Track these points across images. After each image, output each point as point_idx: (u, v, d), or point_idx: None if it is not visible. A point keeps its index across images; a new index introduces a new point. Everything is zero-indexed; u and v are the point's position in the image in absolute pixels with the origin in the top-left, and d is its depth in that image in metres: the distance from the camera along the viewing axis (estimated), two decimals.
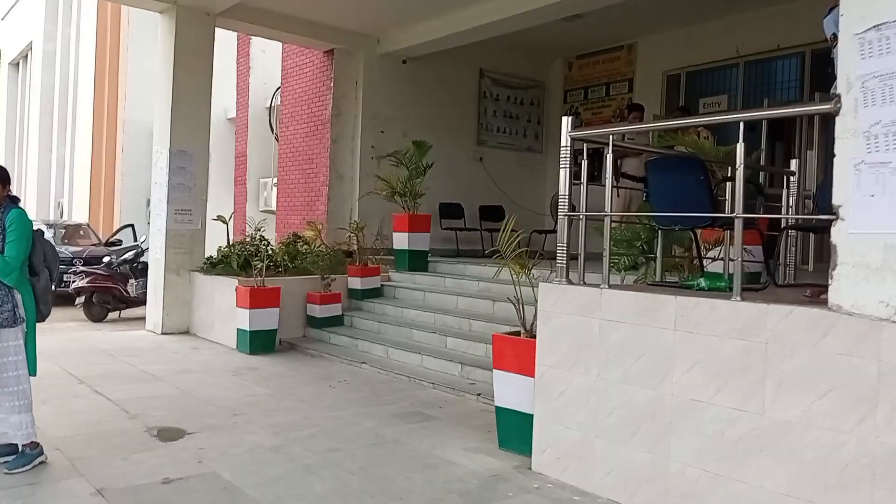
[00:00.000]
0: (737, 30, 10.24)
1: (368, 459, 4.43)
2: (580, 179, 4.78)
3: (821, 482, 3.03)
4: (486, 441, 4.82)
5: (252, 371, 7.10)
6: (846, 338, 3.02)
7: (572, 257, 4.33)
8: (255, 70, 13.85)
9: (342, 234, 9.92)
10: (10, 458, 4.06)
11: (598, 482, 3.91)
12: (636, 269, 5.12)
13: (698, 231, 4.83)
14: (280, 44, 12.04)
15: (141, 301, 10.32)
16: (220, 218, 9.40)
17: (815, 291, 3.60)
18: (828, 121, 8.54)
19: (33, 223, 4.17)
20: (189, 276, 9.27)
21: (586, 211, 4.27)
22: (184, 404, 5.70)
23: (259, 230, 9.24)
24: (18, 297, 4.02)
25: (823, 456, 3.04)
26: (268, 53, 13.34)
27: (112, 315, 10.66)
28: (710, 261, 5.22)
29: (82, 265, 11.30)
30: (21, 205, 4.19)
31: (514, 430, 4.56)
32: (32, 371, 4.14)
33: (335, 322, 8.62)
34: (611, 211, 4.16)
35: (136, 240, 12.86)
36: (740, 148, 3.46)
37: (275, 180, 12.73)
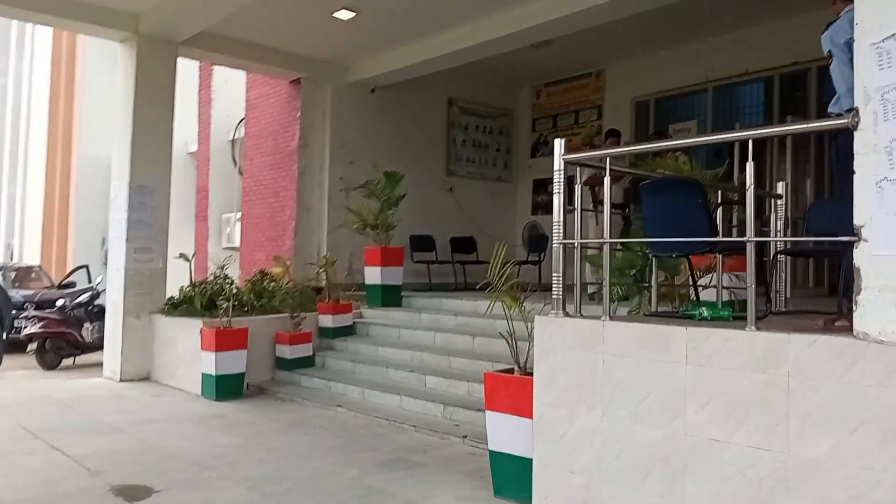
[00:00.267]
0: (705, 55, 10.24)
1: None
2: (573, 205, 4.51)
3: None
4: (480, 488, 4.48)
5: (219, 419, 6.67)
6: (876, 367, 2.79)
7: (567, 288, 4.08)
8: (217, 101, 13.50)
9: (311, 270, 9.56)
10: None
11: None
12: (628, 300, 4.89)
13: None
14: (244, 74, 11.74)
15: (97, 346, 9.79)
16: (182, 256, 8.98)
17: (827, 320, 3.39)
18: (803, 142, 8.42)
19: None
20: (149, 319, 8.80)
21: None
22: (148, 458, 5.26)
23: (223, 267, 8.86)
24: None
25: (856, 496, 2.80)
26: (231, 84, 13.00)
27: (66, 362, 10.07)
28: (702, 288, 5.02)
29: (34, 309, 10.72)
30: None
31: (511, 476, 4.24)
32: None
33: (306, 363, 8.22)
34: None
35: (90, 281, 12.31)
36: (750, 168, 3.25)
37: (238, 215, 12.33)
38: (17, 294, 11.73)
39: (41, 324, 9.86)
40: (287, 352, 8.15)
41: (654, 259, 4.52)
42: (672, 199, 4.10)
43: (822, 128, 3.29)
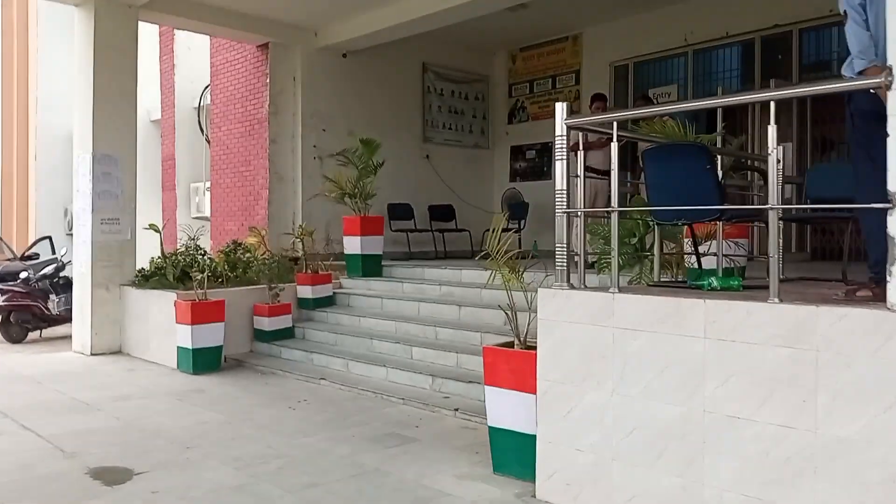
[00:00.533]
0: (685, 18, 10.07)
1: (351, 496, 3.91)
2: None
3: None
4: (478, 465, 4.35)
5: (199, 394, 6.44)
6: None
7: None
8: (180, 68, 12.97)
9: (286, 240, 9.28)
10: None
11: None
12: (629, 269, 4.75)
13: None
14: (208, 39, 11.27)
15: (64, 319, 9.45)
16: (152, 226, 8.62)
17: (849, 290, 3.28)
18: (784, 106, 8.24)
19: None
20: (119, 291, 8.49)
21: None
22: (127, 438, 5.04)
23: (195, 238, 8.56)
24: None
25: (890, 477, 2.68)
26: (194, 50, 12.49)
27: (33, 335, 9.72)
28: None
29: None
30: None
31: (512, 453, 4.11)
32: None
33: (286, 335, 8.00)
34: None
35: (54, 252, 11.84)
36: (773, 131, 3.09)
37: (207, 184, 11.94)
38: None
39: (5, 296, 9.46)
40: (266, 324, 7.92)
41: (656, 227, 4.39)
42: (678, 165, 3.94)
43: (850, 88, 3.13)
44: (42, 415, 5.63)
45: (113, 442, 4.91)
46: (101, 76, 8.40)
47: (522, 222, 10.78)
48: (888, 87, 2.78)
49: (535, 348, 4.02)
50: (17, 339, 9.51)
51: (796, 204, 5.34)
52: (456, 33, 10.65)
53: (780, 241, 3.15)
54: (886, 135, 2.78)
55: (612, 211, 3.71)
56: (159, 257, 8.61)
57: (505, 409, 4.11)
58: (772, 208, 3.10)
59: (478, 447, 4.64)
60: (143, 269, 8.60)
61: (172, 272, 8.18)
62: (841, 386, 2.80)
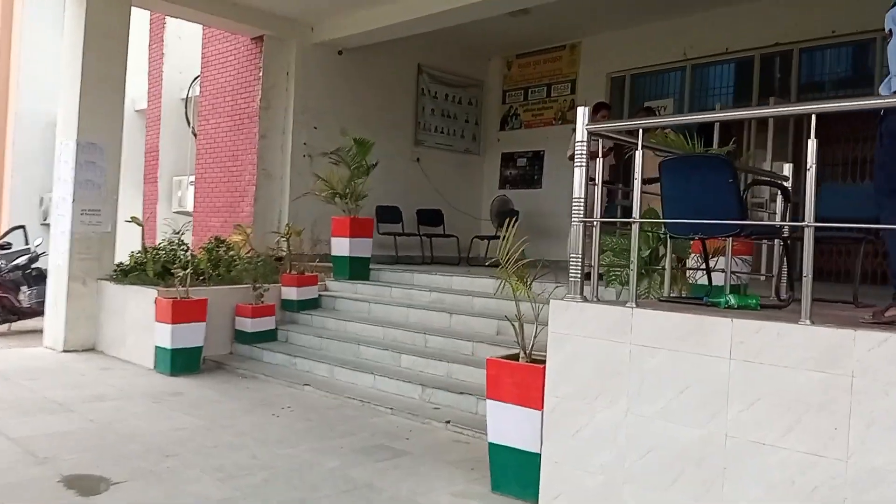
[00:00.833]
0: (685, 32, 9.98)
1: None
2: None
3: None
4: (475, 483, 4.14)
5: (177, 397, 6.17)
6: None
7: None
8: (169, 57, 12.65)
9: (272, 239, 9.02)
10: None
11: None
12: (637, 282, 4.56)
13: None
14: (200, 29, 10.99)
15: (35, 312, 9.11)
16: (134, 220, 8.35)
17: (876, 311, 3.14)
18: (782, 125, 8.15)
19: None
20: (96, 286, 8.17)
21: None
22: (103, 442, 4.76)
23: (179, 233, 8.28)
24: None
25: None
26: (184, 39, 12.19)
27: (1, 328, 9.36)
28: (703, 273, 4.76)
29: None
30: None
31: (513, 471, 3.91)
32: None
33: (268, 337, 7.74)
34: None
35: (28, 243, 11.46)
36: (812, 145, 2.92)
37: (191, 178, 11.64)
38: None
39: None
40: (248, 325, 7.65)
41: (669, 240, 4.23)
42: (698, 178, 3.78)
43: (886, 105, 3.03)
44: (12, 415, 5.33)
45: (87, 447, 4.64)
46: (89, 61, 8.10)
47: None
48: None
49: (540, 362, 3.84)
50: None
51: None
52: (453, 36, 10.48)
53: (811, 260, 2.98)
54: None
55: (634, 222, 3.53)
56: (139, 252, 8.31)
57: (507, 424, 3.91)
58: (807, 226, 2.93)
59: (473, 463, 4.44)
60: (121, 263, 8.29)
61: (153, 268, 7.89)
62: (877, 414, 2.64)
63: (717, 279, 4.50)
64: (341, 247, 8.48)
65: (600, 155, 4.18)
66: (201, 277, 7.84)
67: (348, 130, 9.52)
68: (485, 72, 12.44)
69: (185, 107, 12.53)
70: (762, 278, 6.09)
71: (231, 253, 8.39)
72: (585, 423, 3.48)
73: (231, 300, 7.81)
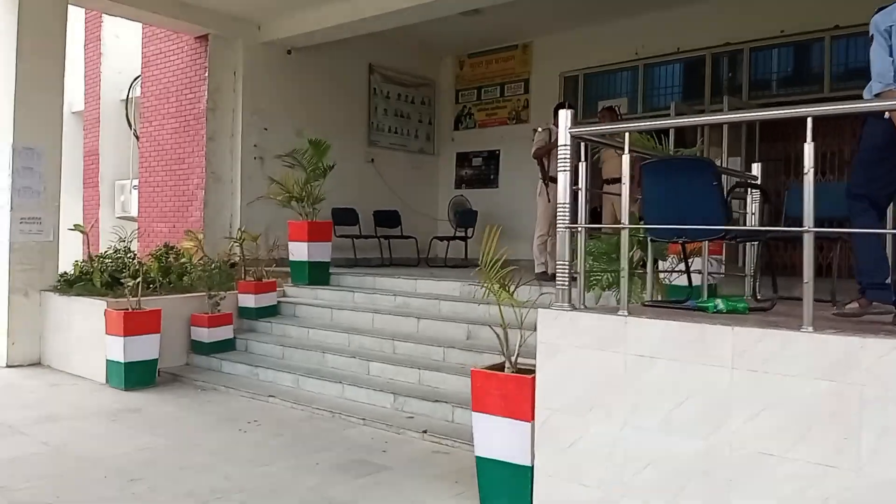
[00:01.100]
0: (636, 32, 10.07)
1: None
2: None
3: None
4: (462, 498, 4.02)
5: (135, 413, 5.88)
6: None
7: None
8: (107, 57, 12.13)
9: (224, 245, 8.72)
10: None
11: None
12: (617, 287, 4.52)
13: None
14: (140, 27, 10.57)
15: None
16: (77, 227, 7.95)
17: (839, 304, 3.26)
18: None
19: None
20: (40, 297, 7.75)
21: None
22: (60, 468, 4.47)
23: (127, 241, 7.92)
24: None
25: None
26: (122, 38, 11.73)
27: None
28: (678, 275, 4.75)
29: None
30: None
31: (502, 486, 3.80)
32: None
33: (226, 347, 7.46)
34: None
35: None
36: (809, 149, 2.90)
37: (135, 182, 11.20)
38: None
39: None
40: (205, 335, 7.36)
41: (650, 244, 4.19)
42: (681, 180, 3.74)
43: (864, 109, 3.14)
44: None
45: (44, 474, 4.35)
46: (24, 62, 7.67)
47: (470, 230, 10.55)
48: None
49: (526, 371, 3.75)
50: None
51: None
52: (404, 35, 10.34)
53: (811, 266, 2.95)
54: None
55: (623, 228, 3.46)
56: (84, 261, 7.93)
57: (495, 437, 3.80)
58: (808, 231, 2.90)
59: (456, 475, 4.32)
60: (65, 273, 7.89)
61: (100, 277, 7.53)
62: (889, 423, 2.62)
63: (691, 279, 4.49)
64: (300, 251, 8.25)
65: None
66: (152, 286, 7.51)
67: (304, 131, 9.28)
68: (437, 71, 12.33)
69: (126, 108, 12.06)
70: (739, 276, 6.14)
71: (182, 260, 8.08)
72: (580, 435, 3.40)
73: (185, 309, 7.51)
